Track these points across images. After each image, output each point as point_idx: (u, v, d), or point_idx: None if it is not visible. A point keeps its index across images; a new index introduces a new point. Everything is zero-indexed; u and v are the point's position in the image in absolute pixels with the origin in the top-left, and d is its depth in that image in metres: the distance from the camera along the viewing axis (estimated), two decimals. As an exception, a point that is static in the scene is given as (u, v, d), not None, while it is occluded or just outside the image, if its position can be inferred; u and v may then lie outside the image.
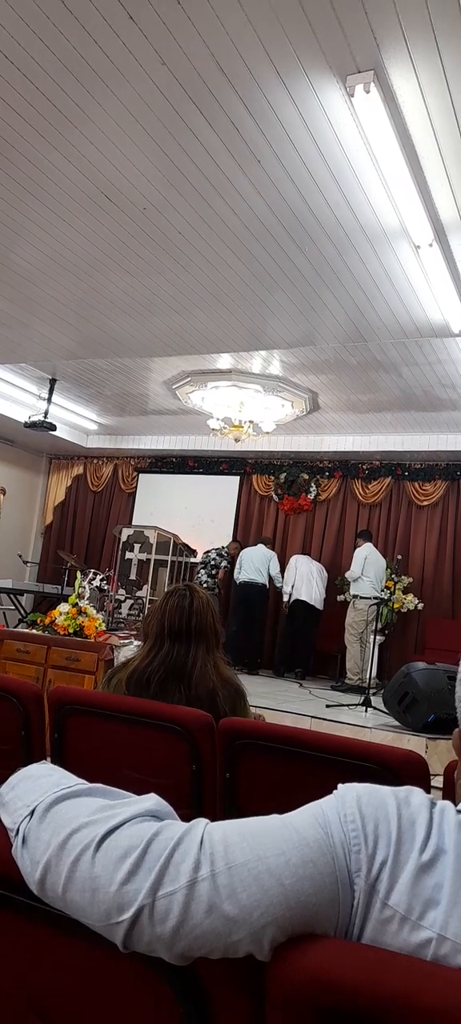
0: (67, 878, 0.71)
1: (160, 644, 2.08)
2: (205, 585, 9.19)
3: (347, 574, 8.51)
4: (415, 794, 0.77)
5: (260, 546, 9.35)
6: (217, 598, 9.17)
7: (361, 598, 8.11)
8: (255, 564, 9.07)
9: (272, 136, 3.68)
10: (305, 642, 8.86)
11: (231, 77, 3.33)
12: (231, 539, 10.21)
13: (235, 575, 9.15)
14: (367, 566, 8.20)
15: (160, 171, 4.09)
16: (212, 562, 9.53)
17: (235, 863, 0.69)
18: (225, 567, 9.54)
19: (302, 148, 3.73)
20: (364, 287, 5.05)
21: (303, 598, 8.79)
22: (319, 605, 8.87)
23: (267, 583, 9.06)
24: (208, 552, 9.69)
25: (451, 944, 0.67)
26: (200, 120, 3.63)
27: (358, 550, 8.47)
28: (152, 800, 0.77)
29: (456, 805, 0.78)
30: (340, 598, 9.00)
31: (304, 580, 8.84)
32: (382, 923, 0.70)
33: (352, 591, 8.32)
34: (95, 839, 0.72)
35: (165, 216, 4.54)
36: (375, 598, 7.77)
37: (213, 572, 9.47)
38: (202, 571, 9.52)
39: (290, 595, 8.86)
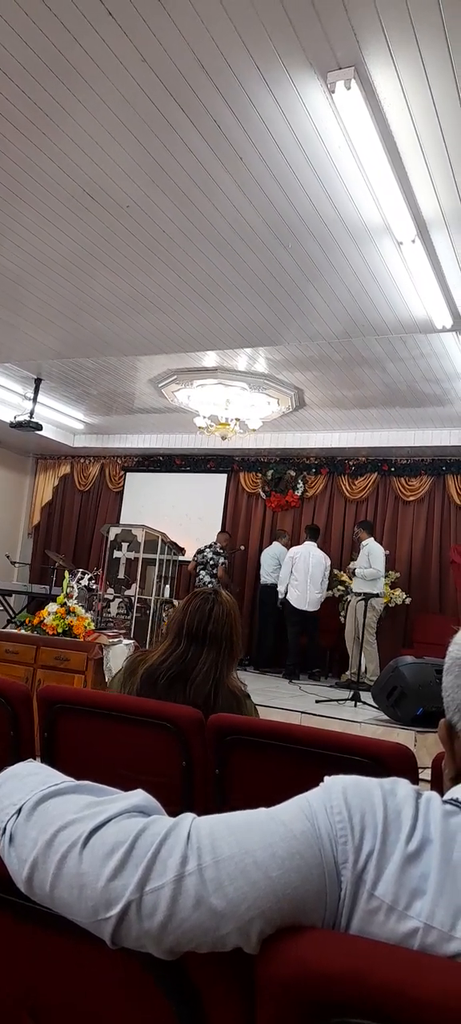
0: (54, 875, 0.71)
1: (177, 643, 2.08)
2: (210, 586, 9.05)
3: (366, 572, 8.01)
4: (401, 785, 0.77)
5: (274, 544, 9.40)
6: None
7: (378, 596, 7.89)
8: (265, 566, 9.20)
9: (254, 133, 3.68)
10: (311, 642, 8.69)
11: (212, 74, 3.32)
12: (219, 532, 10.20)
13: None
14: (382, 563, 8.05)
15: (142, 169, 4.08)
16: (211, 561, 9.35)
17: (222, 857, 0.69)
18: (223, 563, 9.42)
19: (284, 145, 3.74)
20: (348, 284, 5.07)
21: (296, 605, 8.38)
22: (313, 607, 8.46)
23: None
24: (202, 552, 9.46)
25: (437, 933, 0.68)
26: (181, 117, 3.63)
27: (374, 546, 8.09)
28: (139, 796, 0.77)
29: (443, 796, 0.79)
30: (328, 593, 9.00)
31: (300, 583, 8.38)
32: (369, 913, 0.70)
33: (366, 589, 7.81)
34: (82, 836, 0.72)
35: (148, 214, 4.53)
36: (366, 593, 7.62)
37: (214, 572, 9.31)
38: (203, 572, 9.33)
39: (284, 594, 8.47)
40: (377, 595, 7.81)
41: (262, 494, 10.41)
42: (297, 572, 8.40)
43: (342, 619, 8.98)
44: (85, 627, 5.43)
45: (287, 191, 4.12)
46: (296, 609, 8.39)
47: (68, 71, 3.40)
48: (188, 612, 2.10)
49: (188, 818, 0.74)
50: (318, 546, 8.71)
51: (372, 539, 8.25)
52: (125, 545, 9.57)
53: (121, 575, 9.49)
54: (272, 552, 9.31)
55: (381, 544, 9.02)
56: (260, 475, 10.43)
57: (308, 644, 8.65)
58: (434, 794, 0.78)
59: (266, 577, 9.19)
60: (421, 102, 3.32)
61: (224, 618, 2.09)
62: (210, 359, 7.39)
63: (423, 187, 3.92)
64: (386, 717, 5.33)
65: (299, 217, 4.35)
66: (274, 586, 8.94)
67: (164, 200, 4.35)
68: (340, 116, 3.44)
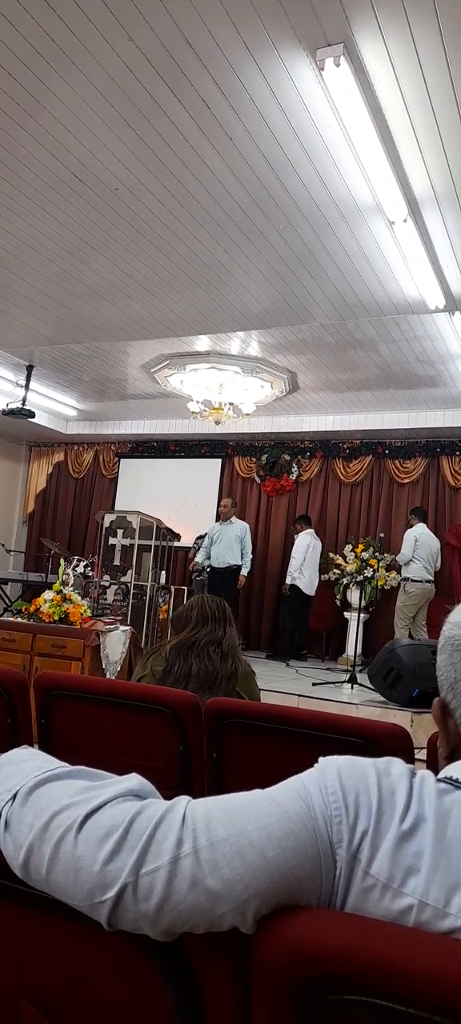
0: (50, 860, 0.72)
1: (203, 623, 2.56)
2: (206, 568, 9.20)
3: (398, 557, 8.24)
4: (395, 764, 0.78)
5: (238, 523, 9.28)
6: None
7: (412, 581, 7.92)
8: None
9: (243, 112, 3.64)
10: (303, 626, 8.89)
11: (200, 52, 3.28)
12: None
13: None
14: (418, 548, 7.96)
15: (131, 150, 4.04)
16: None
17: (217, 838, 0.70)
18: None
19: (273, 124, 3.70)
20: (340, 265, 5.04)
21: (307, 591, 8.64)
22: (314, 592, 8.81)
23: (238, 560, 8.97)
24: (202, 537, 9.64)
25: (432, 910, 0.68)
26: (169, 97, 3.59)
27: (409, 531, 8.16)
28: (134, 780, 0.77)
29: (437, 775, 0.79)
30: (324, 577, 9.04)
31: (309, 566, 8.68)
32: (364, 892, 0.70)
33: (403, 573, 8.05)
34: (77, 820, 0.72)
35: (138, 197, 4.49)
36: (427, 581, 7.70)
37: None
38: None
39: (293, 581, 8.64)
40: (407, 579, 7.99)
41: (257, 478, 10.41)
42: (308, 559, 8.72)
43: (338, 602, 9.06)
44: (81, 614, 5.43)
45: (277, 171, 4.08)
46: (305, 594, 8.62)
47: (54, 51, 3.36)
48: (202, 604, 2.65)
49: (183, 801, 0.74)
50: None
51: (416, 526, 8.21)
52: (120, 532, 9.55)
53: (117, 562, 9.48)
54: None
55: (375, 527, 9.10)
56: (255, 459, 10.42)
57: (300, 627, 8.84)
58: (428, 773, 0.78)
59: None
60: (411, 78, 3.29)
61: (221, 604, 2.68)
62: (202, 343, 7.36)
63: (414, 165, 3.89)
64: (383, 698, 5.35)
65: (290, 197, 4.32)
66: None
67: (153, 182, 4.32)
68: (330, 94, 3.41)
